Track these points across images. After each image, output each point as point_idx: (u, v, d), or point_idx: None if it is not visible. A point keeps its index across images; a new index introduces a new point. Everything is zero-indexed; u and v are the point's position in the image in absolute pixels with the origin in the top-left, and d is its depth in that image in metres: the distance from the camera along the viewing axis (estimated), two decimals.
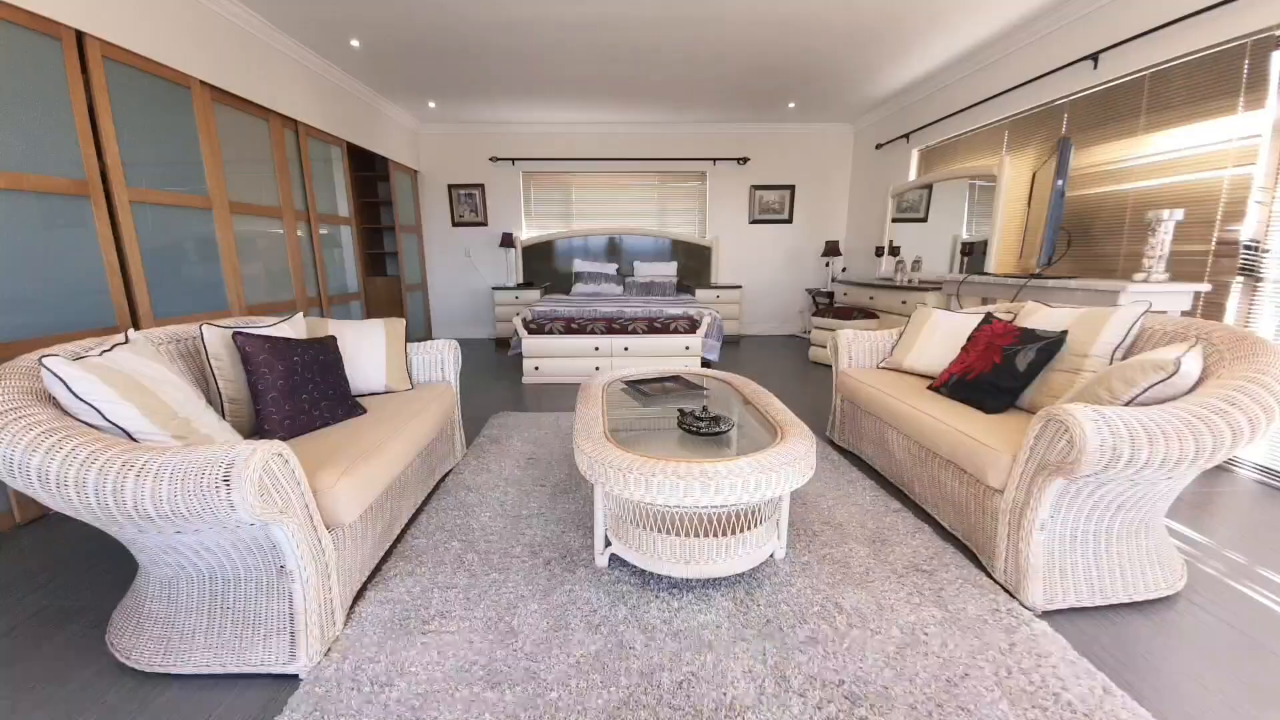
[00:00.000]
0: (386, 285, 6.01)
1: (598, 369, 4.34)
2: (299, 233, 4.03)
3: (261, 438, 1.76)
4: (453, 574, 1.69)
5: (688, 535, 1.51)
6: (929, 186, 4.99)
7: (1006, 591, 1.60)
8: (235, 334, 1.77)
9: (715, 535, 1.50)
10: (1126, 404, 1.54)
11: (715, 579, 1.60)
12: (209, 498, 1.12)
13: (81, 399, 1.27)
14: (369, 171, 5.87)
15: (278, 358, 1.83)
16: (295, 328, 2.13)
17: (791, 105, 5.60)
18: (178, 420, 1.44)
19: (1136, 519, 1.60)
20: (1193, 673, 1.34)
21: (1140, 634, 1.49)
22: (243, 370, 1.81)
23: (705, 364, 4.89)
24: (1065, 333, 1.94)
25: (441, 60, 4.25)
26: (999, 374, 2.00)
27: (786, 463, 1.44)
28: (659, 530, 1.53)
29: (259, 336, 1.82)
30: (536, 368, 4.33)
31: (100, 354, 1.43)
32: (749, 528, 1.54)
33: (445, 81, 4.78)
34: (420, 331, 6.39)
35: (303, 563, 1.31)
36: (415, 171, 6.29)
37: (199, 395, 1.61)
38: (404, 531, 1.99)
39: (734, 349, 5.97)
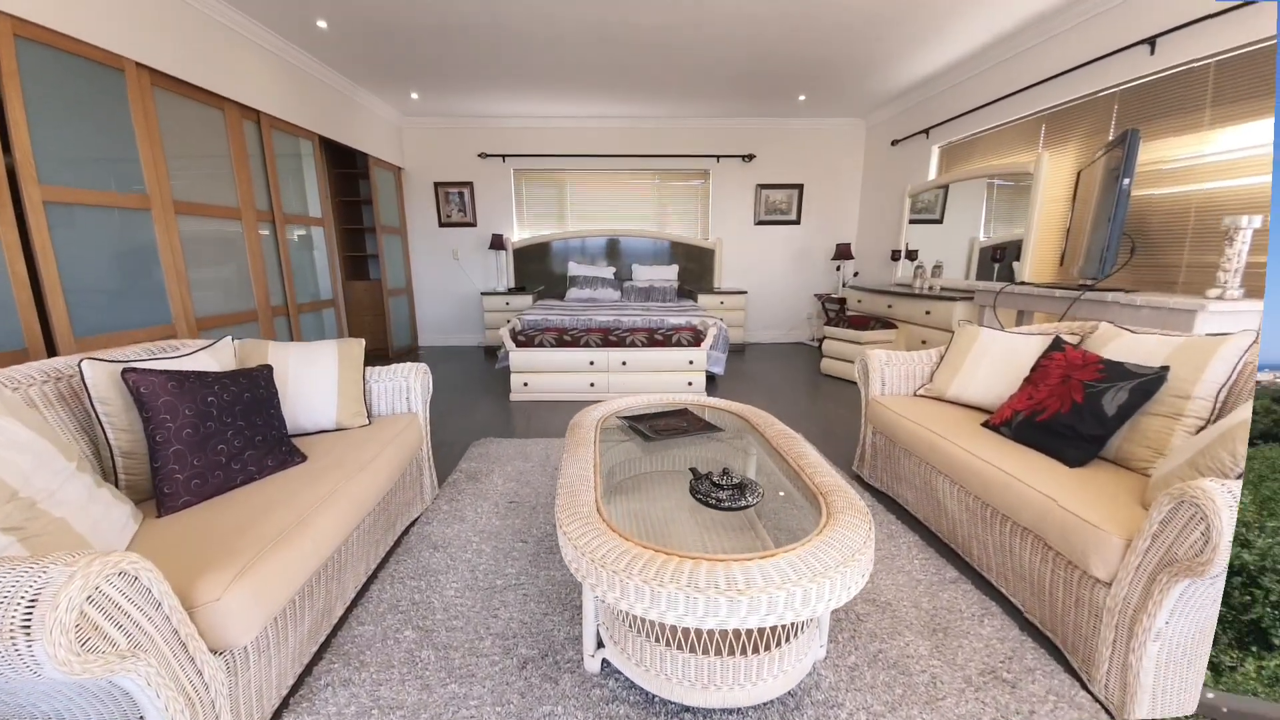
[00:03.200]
0: (368, 290, 5.62)
1: (593, 385, 3.96)
2: (263, 234, 3.64)
3: (161, 504, 1.38)
4: (400, 684, 1.31)
5: (705, 653, 1.13)
6: (945, 187, 4.62)
7: (1109, 714, 1.23)
8: (125, 371, 1.39)
9: (743, 653, 1.13)
10: None
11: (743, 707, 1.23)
12: (3, 651, 0.75)
13: None
14: (349, 169, 5.48)
15: (184, 399, 1.45)
16: (219, 356, 1.75)
17: (801, 98, 5.23)
18: (16, 503, 1.06)
19: None
20: None
21: None
22: (138, 416, 1.43)
23: (710, 378, 4.52)
24: (1167, 368, 1.58)
25: (420, 44, 3.85)
26: (1081, 416, 1.63)
27: (842, 560, 1.06)
28: (667, 643, 1.16)
29: (160, 373, 1.44)
30: (525, 384, 3.95)
31: None
32: (787, 639, 1.16)
33: (427, 70, 4.38)
34: (405, 339, 5.99)
35: (170, 713, 0.93)
36: (399, 169, 5.89)
37: (70, 457, 1.23)
38: (349, 611, 1.61)
39: (739, 358, 5.59)
